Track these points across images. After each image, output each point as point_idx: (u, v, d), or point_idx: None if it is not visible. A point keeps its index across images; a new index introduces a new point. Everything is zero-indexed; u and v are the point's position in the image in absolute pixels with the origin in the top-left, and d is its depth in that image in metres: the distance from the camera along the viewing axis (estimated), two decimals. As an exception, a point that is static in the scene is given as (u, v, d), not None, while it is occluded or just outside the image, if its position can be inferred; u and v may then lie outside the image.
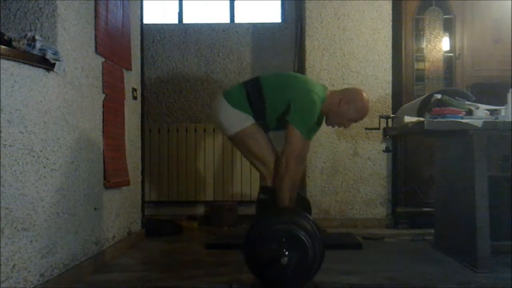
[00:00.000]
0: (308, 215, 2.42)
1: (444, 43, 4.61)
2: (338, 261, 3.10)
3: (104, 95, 3.11)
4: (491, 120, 2.95)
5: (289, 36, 5.00)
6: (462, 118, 2.98)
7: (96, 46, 2.98)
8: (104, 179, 3.10)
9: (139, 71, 3.96)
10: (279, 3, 5.19)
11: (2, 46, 2.06)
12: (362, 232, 4.18)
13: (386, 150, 4.53)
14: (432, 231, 3.80)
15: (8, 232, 2.06)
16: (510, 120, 2.93)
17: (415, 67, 4.61)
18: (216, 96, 3.02)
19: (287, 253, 2.16)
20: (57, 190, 2.48)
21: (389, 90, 4.57)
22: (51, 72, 2.40)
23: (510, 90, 3.05)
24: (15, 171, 2.11)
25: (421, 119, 3.12)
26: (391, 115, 4.32)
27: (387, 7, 4.56)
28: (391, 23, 4.57)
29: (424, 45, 4.61)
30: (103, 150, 3.09)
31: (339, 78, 4.53)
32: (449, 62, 4.59)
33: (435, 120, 2.97)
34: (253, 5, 5.25)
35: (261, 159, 2.79)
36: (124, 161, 3.47)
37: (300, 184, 3.33)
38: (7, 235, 2.05)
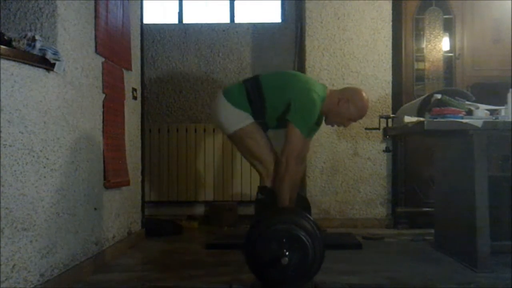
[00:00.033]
0: (308, 215, 2.43)
1: (444, 43, 4.61)
2: (338, 261, 3.10)
3: (104, 95, 3.11)
4: (491, 120, 2.95)
5: (289, 36, 5.00)
6: (462, 118, 2.98)
7: (96, 46, 2.98)
8: (104, 179, 3.10)
9: (139, 71, 3.97)
10: (279, 3, 5.18)
11: (2, 46, 2.06)
12: (362, 232, 4.18)
13: (386, 150, 4.53)
14: (432, 231, 3.80)
15: (8, 232, 2.06)
16: (510, 120, 2.93)
17: (415, 67, 4.61)
18: (216, 94, 3.01)
19: (287, 253, 2.16)
20: (57, 190, 2.48)
21: (389, 90, 4.57)
22: (51, 72, 2.41)
23: (510, 90, 3.05)
24: (15, 171, 2.11)
25: (421, 119, 3.12)
26: (391, 115, 4.32)
27: (387, 7, 4.56)
28: (391, 23, 4.57)
29: (424, 45, 4.61)
30: (103, 150, 3.09)
31: (339, 78, 4.53)
32: (449, 62, 4.59)
33: (435, 120, 2.97)
34: (253, 5, 5.25)
35: (259, 159, 2.80)
36: (124, 161, 3.47)
37: (300, 184, 3.33)
38: (7, 235, 2.05)
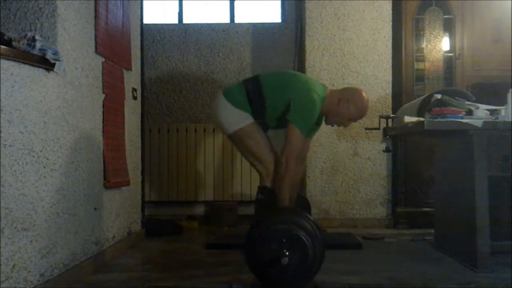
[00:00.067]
0: (308, 215, 2.43)
1: (444, 43, 4.61)
2: (338, 261, 3.10)
3: (104, 95, 3.11)
4: (491, 120, 2.95)
5: (289, 36, 5.00)
6: (462, 118, 2.98)
7: (96, 46, 2.98)
8: (104, 179, 3.10)
9: (139, 71, 3.97)
10: (279, 3, 5.18)
11: (2, 46, 2.06)
12: (362, 232, 4.18)
13: (386, 150, 4.53)
14: (432, 231, 3.80)
15: (8, 232, 2.06)
16: (510, 120, 2.93)
17: (415, 67, 4.61)
18: (216, 94, 3.01)
19: (287, 253, 2.16)
20: (57, 190, 2.48)
21: (389, 90, 4.57)
22: (51, 72, 2.41)
23: (510, 90, 3.05)
24: (15, 171, 2.11)
25: (421, 119, 3.12)
26: (391, 115, 4.32)
27: (387, 7, 4.56)
28: (391, 23, 4.57)
29: (424, 45, 4.61)
30: (103, 150, 3.09)
31: (339, 78, 4.53)
32: (449, 62, 4.59)
33: (435, 120, 2.97)
34: (253, 5, 5.25)
35: (259, 158, 2.80)
36: (124, 161, 3.47)
37: (300, 184, 3.33)
38: (7, 235, 2.05)
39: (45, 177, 2.36)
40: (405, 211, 4.43)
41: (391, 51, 4.57)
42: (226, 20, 5.15)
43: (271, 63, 4.92)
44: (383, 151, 4.54)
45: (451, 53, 4.59)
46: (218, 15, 5.19)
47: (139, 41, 3.96)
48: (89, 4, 2.91)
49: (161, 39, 5.05)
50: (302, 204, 3.15)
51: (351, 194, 4.56)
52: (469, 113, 3.12)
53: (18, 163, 2.13)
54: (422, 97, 3.55)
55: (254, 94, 2.76)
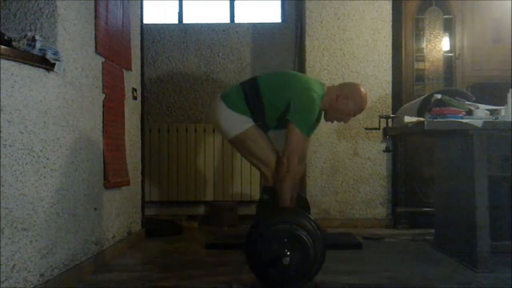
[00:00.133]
0: (309, 215, 2.43)
1: (444, 43, 4.61)
2: (338, 261, 3.10)
3: (104, 95, 3.11)
4: (491, 120, 2.95)
5: (289, 36, 5.00)
6: (462, 118, 2.98)
7: (96, 46, 2.98)
8: (104, 179, 3.10)
9: (139, 71, 3.97)
10: (279, 3, 5.18)
11: (2, 46, 2.06)
12: (362, 232, 4.18)
13: (386, 150, 4.53)
14: (432, 231, 3.80)
15: (8, 232, 2.06)
16: (510, 120, 2.93)
17: (415, 67, 4.60)
18: (214, 97, 3.01)
19: (288, 253, 2.16)
20: (57, 190, 2.48)
21: (389, 90, 4.57)
22: (51, 72, 2.40)
23: (510, 90, 3.05)
24: (15, 171, 2.11)
25: (421, 119, 3.12)
26: (391, 115, 4.32)
27: (387, 7, 4.56)
28: (391, 23, 4.57)
29: (424, 45, 4.61)
30: (103, 150, 3.09)
31: (339, 78, 4.52)
32: (449, 62, 4.59)
33: (435, 120, 2.98)
34: (253, 5, 5.25)
35: (262, 160, 2.79)
36: (124, 161, 3.47)
37: (299, 184, 3.33)
38: (7, 235, 2.05)
39: (45, 177, 2.36)
40: (405, 211, 4.43)
41: (391, 51, 4.57)
42: (226, 20, 5.15)
43: (271, 63, 4.92)
44: (383, 151, 4.54)
45: (451, 53, 4.59)
46: (218, 15, 5.19)
47: (139, 41, 3.96)
48: (89, 4, 2.91)
49: (161, 39, 5.05)
50: (302, 204, 3.16)
51: (351, 194, 4.56)
52: (469, 113, 3.12)
53: (18, 163, 2.13)
54: (422, 97, 3.56)
55: (252, 96, 2.75)
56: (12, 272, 2.08)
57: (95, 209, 2.98)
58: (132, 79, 3.74)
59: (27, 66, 2.22)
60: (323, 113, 2.87)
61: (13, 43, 2.19)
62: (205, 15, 5.21)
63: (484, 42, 4.55)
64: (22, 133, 2.17)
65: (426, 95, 3.57)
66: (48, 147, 2.39)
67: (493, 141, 2.96)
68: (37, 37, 2.27)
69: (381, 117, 4.33)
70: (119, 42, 3.40)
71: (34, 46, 2.25)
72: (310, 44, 4.59)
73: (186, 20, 5.19)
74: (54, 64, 2.38)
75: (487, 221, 2.88)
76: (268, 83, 2.81)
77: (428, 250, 3.56)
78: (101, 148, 3.07)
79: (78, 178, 2.73)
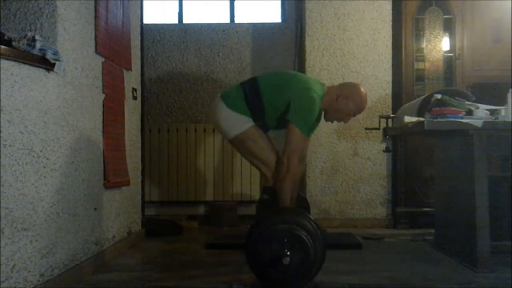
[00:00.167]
0: (309, 215, 2.43)
1: (444, 43, 4.61)
2: (338, 261, 3.10)
3: (104, 95, 3.11)
4: (491, 120, 2.95)
5: (289, 36, 5.00)
6: (462, 118, 2.98)
7: (96, 46, 2.98)
8: (104, 179, 3.10)
9: (139, 71, 3.97)
10: (279, 3, 5.18)
11: (2, 46, 2.06)
12: (362, 232, 4.18)
13: (386, 150, 4.53)
14: (432, 231, 3.80)
15: (8, 232, 2.06)
16: (510, 120, 2.93)
17: (415, 67, 4.60)
18: (214, 97, 3.01)
19: (288, 253, 2.16)
20: (57, 190, 2.48)
21: (389, 90, 4.57)
22: (51, 72, 2.40)
23: (510, 90, 3.05)
24: (15, 171, 2.11)
25: (421, 119, 3.12)
26: (391, 115, 4.32)
27: (387, 7, 4.56)
28: (391, 23, 4.57)
29: (424, 45, 4.61)
30: (103, 150, 3.09)
31: (339, 78, 4.52)
32: (449, 62, 4.59)
33: (435, 120, 2.98)
34: (253, 5, 5.25)
35: (263, 160, 2.79)
36: (124, 161, 3.47)
37: (299, 184, 3.33)
38: (7, 235, 2.05)
39: (45, 177, 2.36)
40: (405, 211, 4.43)
41: (391, 51, 4.57)
42: (226, 20, 5.15)
43: (271, 63, 4.92)
44: (383, 151, 4.54)
45: (451, 53, 4.59)
46: (218, 15, 5.19)
47: (139, 41, 3.96)
48: (89, 4, 2.91)
49: (161, 39, 5.05)
50: (302, 204, 3.16)
51: (351, 194, 4.56)
52: (469, 113, 3.12)
53: (18, 163, 2.13)
54: (422, 97, 3.56)
55: (252, 95, 2.75)
56: (12, 272, 2.08)
57: (95, 209, 2.98)
58: (132, 79, 3.74)
59: (27, 66, 2.22)
60: (323, 113, 2.88)
61: (13, 43, 2.19)
62: (205, 15, 5.21)
63: (484, 42, 4.54)
64: (22, 133, 2.17)
65: (426, 95, 3.57)
66: (48, 147, 2.39)
67: (493, 141, 2.96)
68: (37, 37, 2.27)
69: (381, 117, 4.33)
70: (119, 42, 3.40)
71: (34, 46, 2.25)
72: (310, 44, 4.59)
73: (186, 20, 5.19)
74: (54, 64, 2.38)
75: (487, 221, 2.88)
76: (268, 83, 2.81)
77: (428, 250, 3.56)
78: (101, 148, 3.07)
79: (78, 178, 2.73)
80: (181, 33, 5.05)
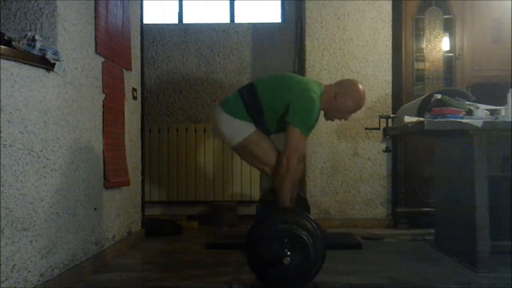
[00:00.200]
0: (309, 215, 2.43)
1: (444, 43, 4.61)
2: (338, 261, 3.10)
3: (104, 95, 3.11)
4: (491, 120, 2.95)
5: (289, 36, 5.00)
6: (462, 118, 2.98)
7: (96, 46, 2.98)
8: (104, 179, 3.10)
9: (139, 71, 3.97)
10: (279, 3, 5.18)
11: (2, 46, 2.06)
12: (362, 232, 4.18)
13: (386, 150, 4.53)
14: (432, 231, 3.80)
15: (8, 232, 2.06)
16: (510, 120, 2.93)
17: (415, 67, 4.60)
18: (214, 106, 2.99)
19: (289, 253, 2.16)
20: (57, 190, 2.48)
21: (389, 90, 4.57)
22: (51, 72, 2.41)
23: (510, 90, 3.05)
24: (15, 171, 2.11)
25: (421, 119, 3.12)
26: (391, 115, 4.32)
27: (387, 7, 4.56)
28: (391, 23, 4.57)
29: (424, 45, 4.61)
30: (103, 150, 3.09)
31: (339, 78, 4.47)
32: (449, 62, 4.59)
33: (435, 120, 2.98)
34: (253, 5, 5.25)
35: (268, 163, 2.78)
36: (124, 161, 3.47)
37: (299, 184, 3.33)
38: (7, 235, 2.05)
39: (45, 177, 2.36)
40: (405, 211, 4.43)
41: (391, 51, 4.57)
42: (226, 20, 5.15)
43: (271, 63, 4.92)
44: (383, 151, 4.54)
45: (451, 53, 4.58)
46: (218, 15, 5.19)
47: (139, 41, 3.96)
48: (89, 4, 2.91)
49: (161, 39, 5.05)
50: (301, 204, 3.16)
51: (351, 194, 4.56)
52: (469, 113, 3.12)
53: (18, 163, 2.13)
54: (422, 97, 3.56)
55: (249, 100, 2.74)
56: (12, 272, 2.08)
57: (95, 209, 2.98)
58: (132, 79, 3.74)
59: (27, 66, 2.22)
60: (322, 112, 2.87)
61: (13, 43, 2.19)
62: (205, 15, 5.21)
63: (484, 42, 4.54)
64: (22, 133, 2.17)
65: (426, 95, 3.57)
66: (48, 147, 2.39)
67: (493, 141, 2.95)
68: (37, 37, 2.27)
69: (381, 117, 4.33)
70: (119, 42, 3.40)
71: (34, 46, 2.25)
72: (310, 44, 4.59)
73: (186, 20, 5.19)
74: (54, 64, 2.38)
75: (487, 221, 2.88)
76: (266, 85, 2.80)
77: (428, 250, 3.56)
78: (101, 148, 3.07)
79: (78, 178, 2.73)
80: (181, 33, 5.05)
